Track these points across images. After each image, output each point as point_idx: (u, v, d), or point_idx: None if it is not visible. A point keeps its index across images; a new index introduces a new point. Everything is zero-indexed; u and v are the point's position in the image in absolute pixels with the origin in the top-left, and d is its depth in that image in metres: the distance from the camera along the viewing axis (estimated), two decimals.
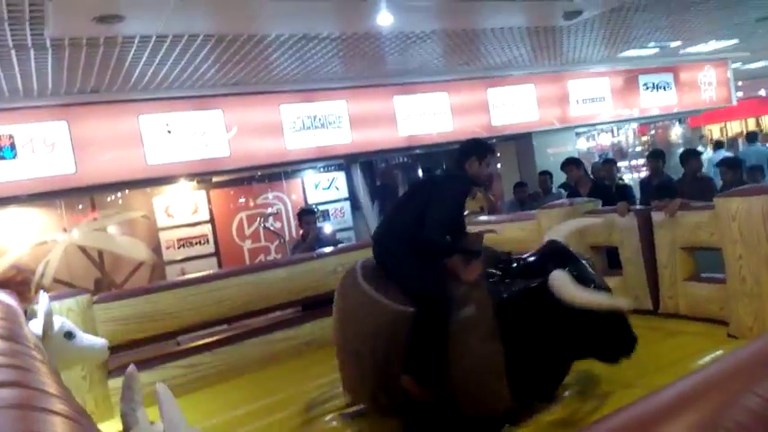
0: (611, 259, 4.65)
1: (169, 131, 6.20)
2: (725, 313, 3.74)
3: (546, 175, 7.49)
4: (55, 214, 7.02)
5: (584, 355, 2.91)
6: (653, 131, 12.68)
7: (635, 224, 4.26)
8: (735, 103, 11.52)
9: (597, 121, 9.67)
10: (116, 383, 4.06)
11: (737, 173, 5.41)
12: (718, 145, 11.42)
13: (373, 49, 5.97)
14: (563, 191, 7.17)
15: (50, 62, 4.75)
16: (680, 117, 11.44)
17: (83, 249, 7.10)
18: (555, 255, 2.95)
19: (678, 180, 5.89)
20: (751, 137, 10.48)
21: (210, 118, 6.42)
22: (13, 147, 5.56)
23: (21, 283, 6.69)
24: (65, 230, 7.06)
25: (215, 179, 7.60)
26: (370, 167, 10.00)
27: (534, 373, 2.86)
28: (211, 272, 5.33)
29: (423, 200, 3.07)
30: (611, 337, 2.79)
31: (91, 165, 5.87)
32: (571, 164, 6.38)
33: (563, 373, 3.05)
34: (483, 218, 5.91)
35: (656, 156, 6.26)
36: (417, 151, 8.65)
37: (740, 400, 1.19)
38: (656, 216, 4.15)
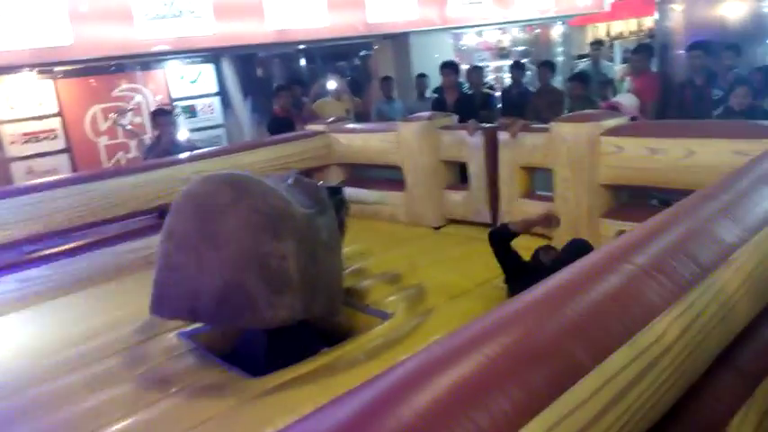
0: (463, 174, 4.83)
1: None
2: (550, 230, 4.05)
3: (422, 77, 7.38)
4: None
5: None
6: (537, 31, 12.92)
7: (482, 142, 4.41)
8: (607, 8, 11.90)
9: (475, 23, 9.63)
10: None
11: (587, 88, 5.67)
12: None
13: None
14: (435, 95, 7.16)
15: None
16: (558, 20, 11.68)
17: None
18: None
19: (534, 92, 6.13)
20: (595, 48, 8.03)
21: None
22: None
23: None
24: None
25: (64, 68, 6.86)
26: (248, 59, 9.46)
27: None
28: (46, 180, 4.93)
29: None
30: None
31: None
32: (448, 67, 6.32)
33: None
34: (351, 125, 5.82)
35: (516, 66, 6.41)
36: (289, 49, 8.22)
37: (547, 325, 1.32)
38: (502, 135, 4.31)
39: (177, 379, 2.82)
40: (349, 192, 4.44)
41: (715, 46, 5.39)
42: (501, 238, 3.26)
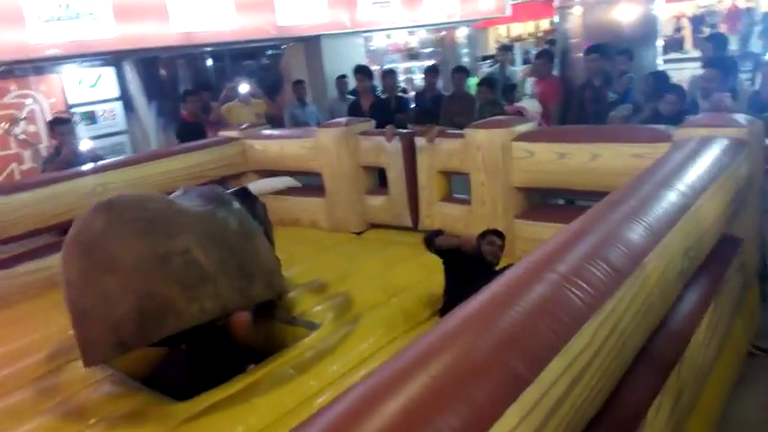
0: (382, 179, 4.87)
1: None
2: (469, 231, 4.17)
3: (343, 78, 7.29)
4: None
5: None
6: (443, 33, 13.23)
7: (399, 148, 4.46)
8: (509, 13, 12.42)
9: (384, 26, 9.74)
10: None
11: (495, 92, 5.87)
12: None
13: None
14: (351, 97, 7.08)
15: None
16: (463, 24, 12.02)
17: None
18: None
19: (447, 96, 6.27)
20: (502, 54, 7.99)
21: None
22: None
23: None
24: None
25: None
26: (152, 61, 9.04)
27: None
28: None
29: None
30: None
31: None
32: (361, 72, 6.35)
33: None
34: (267, 131, 5.66)
35: (431, 70, 6.54)
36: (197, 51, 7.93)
37: (484, 340, 1.35)
38: (419, 141, 4.38)
39: (96, 408, 2.68)
40: (260, 184, 4.34)
41: (611, 49, 5.73)
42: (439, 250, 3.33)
